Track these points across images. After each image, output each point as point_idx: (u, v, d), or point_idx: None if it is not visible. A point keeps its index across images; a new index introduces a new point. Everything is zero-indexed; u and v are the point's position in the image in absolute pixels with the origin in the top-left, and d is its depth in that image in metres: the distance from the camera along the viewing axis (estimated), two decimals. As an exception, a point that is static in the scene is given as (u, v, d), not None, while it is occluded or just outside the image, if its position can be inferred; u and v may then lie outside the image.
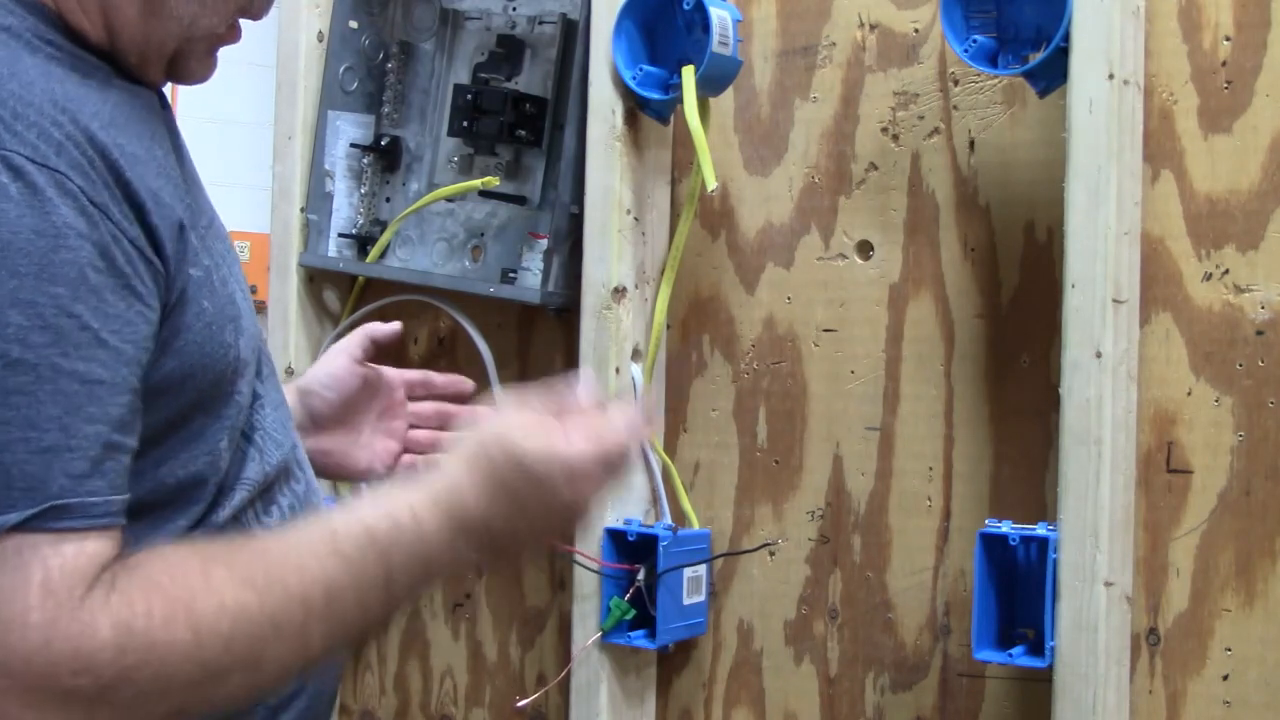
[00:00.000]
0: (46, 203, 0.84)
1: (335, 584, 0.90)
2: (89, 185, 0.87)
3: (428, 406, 1.40)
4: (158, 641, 0.84)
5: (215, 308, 0.96)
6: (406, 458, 1.35)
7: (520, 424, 0.98)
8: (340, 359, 1.34)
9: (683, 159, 1.58)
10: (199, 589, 0.86)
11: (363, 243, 1.75)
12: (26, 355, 0.82)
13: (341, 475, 1.37)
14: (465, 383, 1.42)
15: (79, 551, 0.82)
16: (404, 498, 0.95)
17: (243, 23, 1.04)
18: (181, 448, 0.95)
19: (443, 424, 1.39)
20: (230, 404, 0.98)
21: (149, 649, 0.83)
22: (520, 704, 1.66)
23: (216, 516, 0.98)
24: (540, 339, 1.68)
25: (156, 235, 0.90)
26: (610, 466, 0.99)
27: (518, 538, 0.98)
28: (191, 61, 1.02)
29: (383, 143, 1.74)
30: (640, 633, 1.49)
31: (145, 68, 0.99)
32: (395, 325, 1.38)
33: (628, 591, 1.47)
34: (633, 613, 1.47)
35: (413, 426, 1.40)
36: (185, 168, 1.01)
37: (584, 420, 1.00)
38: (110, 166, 0.89)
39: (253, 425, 1.03)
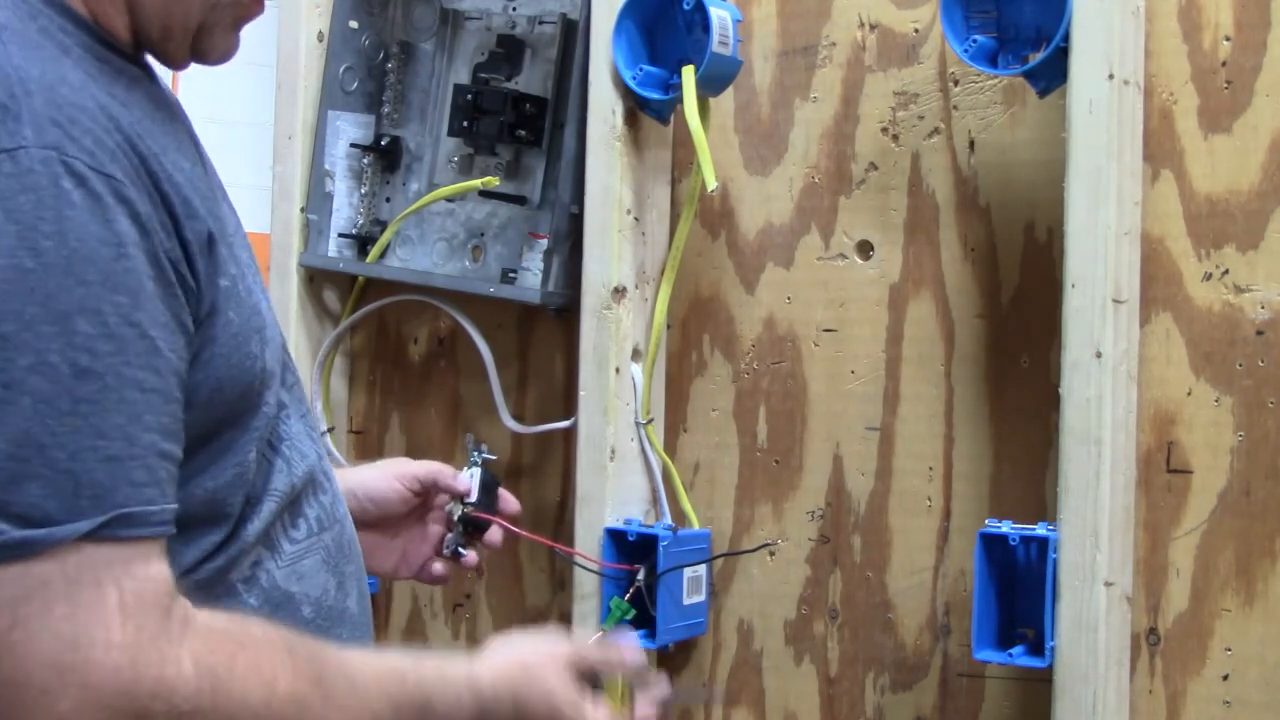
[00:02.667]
0: (108, 210, 0.85)
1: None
2: (139, 195, 0.87)
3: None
4: (234, 695, 0.86)
5: (241, 319, 0.96)
6: (436, 566, 1.30)
7: (563, 681, 1.09)
8: (395, 486, 1.27)
9: (683, 159, 1.58)
10: (280, 666, 0.89)
11: (363, 243, 1.75)
12: (95, 364, 0.83)
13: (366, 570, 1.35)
14: (511, 504, 1.35)
15: (146, 575, 0.84)
16: (460, 686, 1.02)
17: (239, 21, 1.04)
18: (210, 461, 0.95)
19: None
20: (258, 415, 0.98)
21: (226, 697, 0.85)
22: None
23: (246, 531, 0.97)
24: (540, 339, 1.68)
25: (189, 249, 0.91)
26: None
27: None
28: (216, 35, 1.00)
29: (383, 143, 1.74)
30: (640, 633, 1.49)
31: (168, 45, 0.98)
32: (466, 484, 1.30)
33: (628, 591, 1.47)
34: (633, 612, 1.47)
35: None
36: (209, 175, 1.01)
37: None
38: (151, 176, 0.89)
39: (280, 436, 1.02)
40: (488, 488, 1.28)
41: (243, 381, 0.96)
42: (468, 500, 1.27)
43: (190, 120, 1.05)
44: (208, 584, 0.95)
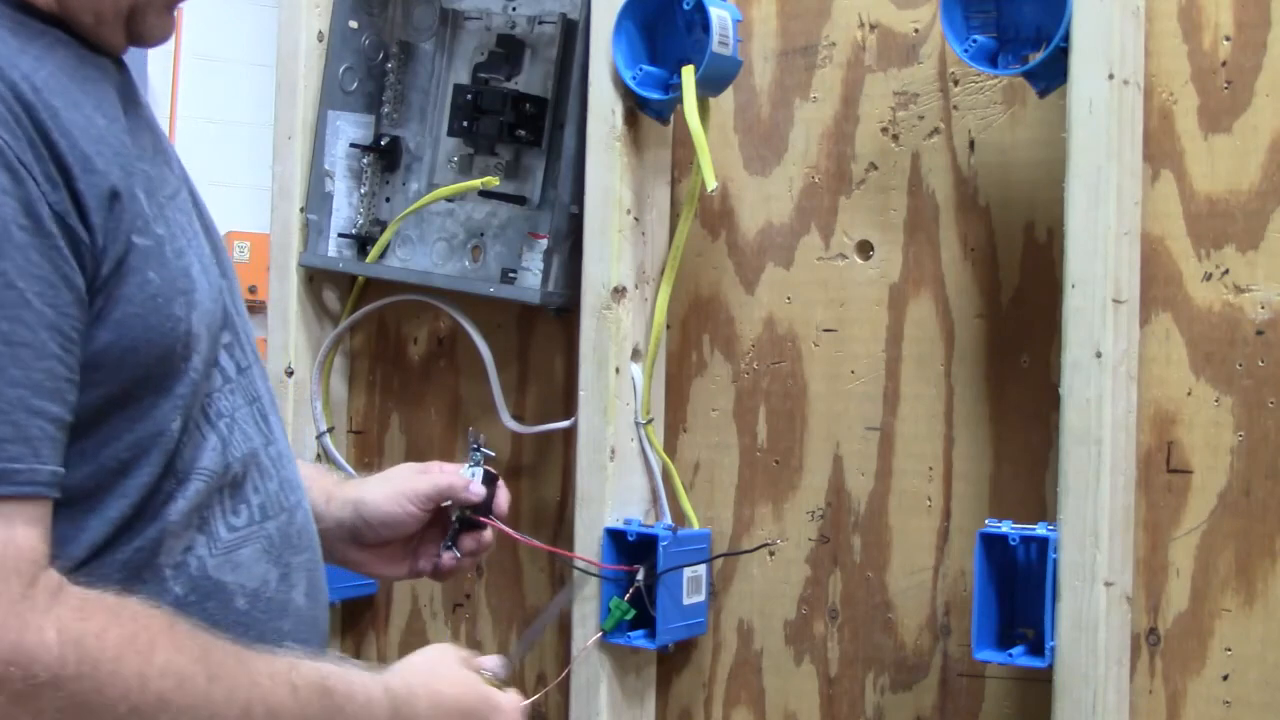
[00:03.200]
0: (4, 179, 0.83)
1: (274, 705, 0.91)
2: (15, 143, 0.85)
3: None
4: (103, 666, 0.83)
5: (164, 280, 0.93)
6: (445, 558, 1.26)
7: (466, 668, 1.10)
8: (407, 509, 1.23)
9: (683, 159, 1.58)
10: (159, 640, 0.86)
11: (363, 243, 1.75)
12: None
13: (369, 575, 1.32)
14: (501, 506, 1.32)
15: (9, 538, 0.81)
16: (367, 679, 0.99)
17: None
18: (126, 427, 0.92)
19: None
20: (182, 381, 0.95)
21: (93, 668, 0.82)
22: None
23: (170, 510, 0.95)
24: (540, 339, 1.68)
25: (82, 201, 0.88)
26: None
27: None
28: (150, 18, 0.99)
29: (383, 143, 1.74)
30: (640, 633, 1.49)
31: (101, 28, 0.97)
32: (480, 493, 1.26)
33: (628, 591, 1.47)
34: (633, 613, 1.47)
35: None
36: (144, 136, 0.98)
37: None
38: (37, 126, 0.87)
39: (217, 411, 0.99)
40: (488, 483, 1.27)
41: (162, 344, 0.93)
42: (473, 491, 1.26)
43: (135, 83, 1.02)
44: (134, 568, 0.92)
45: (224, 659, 0.89)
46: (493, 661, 1.17)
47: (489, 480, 1.26)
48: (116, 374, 0.90)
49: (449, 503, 1.24)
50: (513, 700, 1.13)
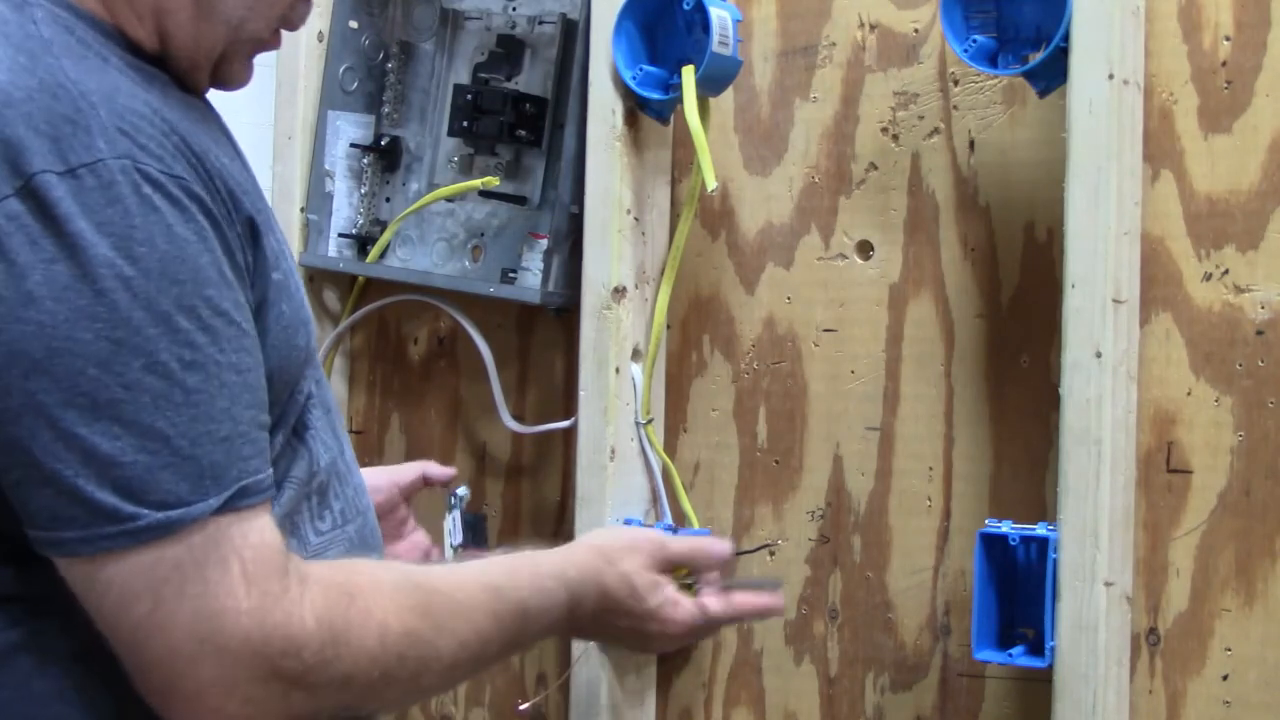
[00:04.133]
0: (185, 209, 0.91)
1: (487, 640, 1.06)
2: (204, 191, 0.93)
3: None
4: (352, 642, 0.94)
5: (291, 311, 1.01)
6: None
7: (640, 566, 1.27)
8: (390, 494, 1.41)
9: (683, 159, 1.58)
10: (389, 608, 0.98)
11: (363, 243, 1.75)
12: (197, 356, 0.90)
13: None
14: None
15: (262, 541, 0.92)
16: (553, 583, 1.16)
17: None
18: None
19: None
20: (292, 404, 1.04)
21: (345, 646, 0.94)
22: (522, 707, 1.65)
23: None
24: (540, 339, 1.68)
25: (244, 240, 0.97)
26: (699, 636, 1.33)
27: (602, 638, 1.28)
28: (235, 65, 1.06)
29: (383, 143, 1.75)
30: (640, 633, 1.49)
31: (194, 73, 1.02)
32: (450, 471, 1.47)
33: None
34: None
35: None
36: (247, 169, 1.05)
37: (698, 601, 1.32)
38: (208, 172, 0.94)
39: (305, 424, 1.06)
40: (474, 527, 1.33)
41: (290, 373, 1.02)
42: (455, 544, 1.33)
43: (221, 117, 1.08)
44: None
45: (441, 608, 1.02)
46: (706, 547, 1.32)
47: (475, 524, 1.33)
48: None
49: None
50: (684, 615, 1.31)
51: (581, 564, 1.21)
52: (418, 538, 1.45)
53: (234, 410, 0.92)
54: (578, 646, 1.51)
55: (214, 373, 0.91)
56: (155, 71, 0.99)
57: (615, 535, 1.31)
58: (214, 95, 1.08)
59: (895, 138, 1.48)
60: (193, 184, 0.92)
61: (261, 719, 0.92)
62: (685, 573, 1.36)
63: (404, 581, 1.01)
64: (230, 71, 1.06)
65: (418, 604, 1.01)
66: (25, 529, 0.90)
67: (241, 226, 0.97)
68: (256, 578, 0.91)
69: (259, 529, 0.92)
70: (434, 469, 1.44)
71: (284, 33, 1.09)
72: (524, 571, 1.14)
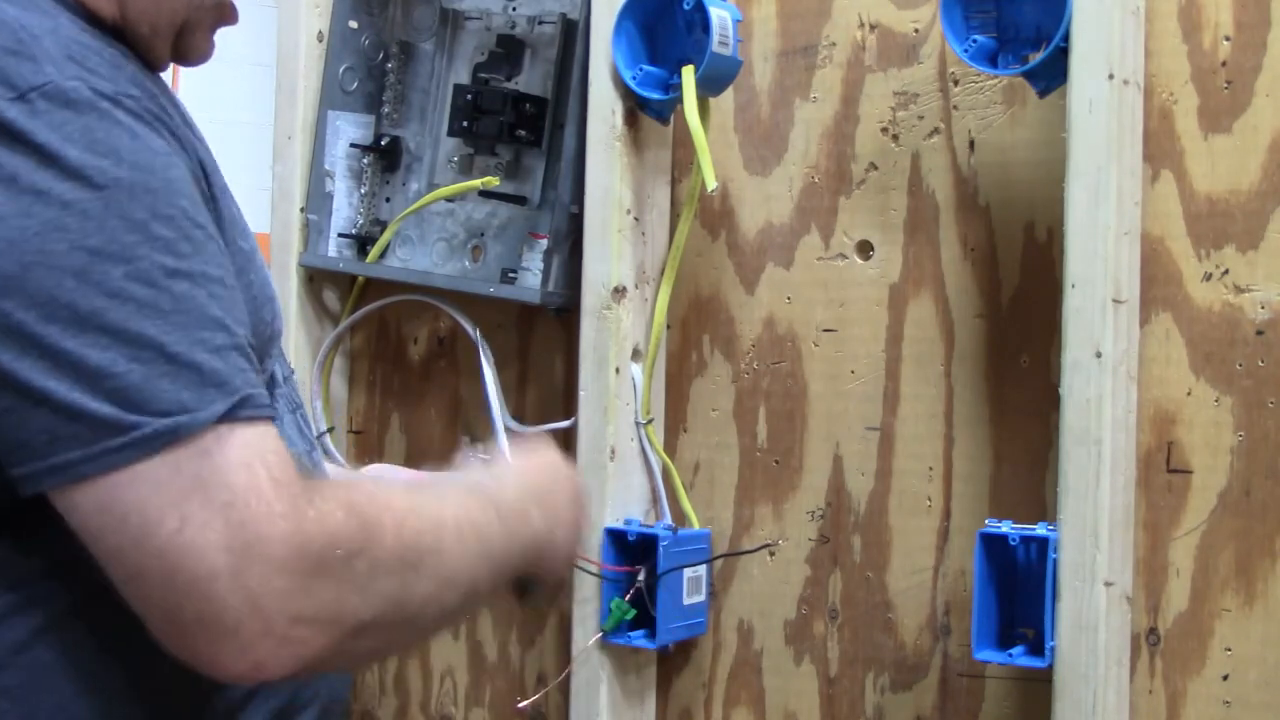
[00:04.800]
0: (149, 124, 0.88)
1: (472, 522, 0.99)
2: (165, 116, 0.90)
3: None
4: (384, 529, 0.89)
5: (259, 283, 0.98)
6: None
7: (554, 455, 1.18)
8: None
9: (683, 159, 1.58)
10: (381, 500, 0.93)
11: (363, 243, 1.75)
12: (180, 264, 0.85)
13: None
14: None
15: (279, 449, 0.87)
16: (498, 484, 1.08)
17: (243, 24, 1.05)
18: None
19: None
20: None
21: (371, 525, 0.89)
22: (521, 705, 1.66)
23: None
24: (540, 339, 1.68)
25: (207, 184, 0.93)
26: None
27: (555, 541, 1.12)
28: (197, 36, 1.03)
29: (383, 143, 1.74)
30: (640, 633, 1.49)
31: (154, 41, 0.99)
32: None
33: (628, 592, 1.47)
34: (633, 613, 1.47)
35: None
36: (203, 142, 1.02)
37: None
38: (162, 106, 0.91)
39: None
40: None
41: (258, 348, 0.97)
42: None
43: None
44: None
45: (422, 496, 0.98)
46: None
47: None
48: None
49: None
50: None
51: (515, 482, 1.14)
52: None
53: (225, 322, 0.87)
54: (578, 646, 1.51)
55: (201, 282, 0.86)
56: (113, 41, 0.96)
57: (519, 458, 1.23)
58: (214, 95, 1.07)
59: (895, 138, 1.48)
60: (150, 104, 0.89)
61: (325, 635, 0.85)
62: None
63: (392, 487, 0.98)
64: (192, 43, 1.02)
65: (403, 482, 1.00)
66: (18, 469, 0.84)
67: (199, 168, 0.93)
68: (282, 480, 0.85)
69: (272, 435, 0.87)
70: None
71: (282, 31, 1.09)
72: (472, 473, 1.10)
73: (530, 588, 1.20)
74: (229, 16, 1.04)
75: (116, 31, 0.98)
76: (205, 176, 0.94)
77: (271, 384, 1.03)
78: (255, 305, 0.97)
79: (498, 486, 1.06)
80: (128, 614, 0.88)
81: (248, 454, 0.84)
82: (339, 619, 0.86)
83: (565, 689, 1.56)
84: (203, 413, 0.83)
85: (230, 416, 0.84)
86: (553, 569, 1.16)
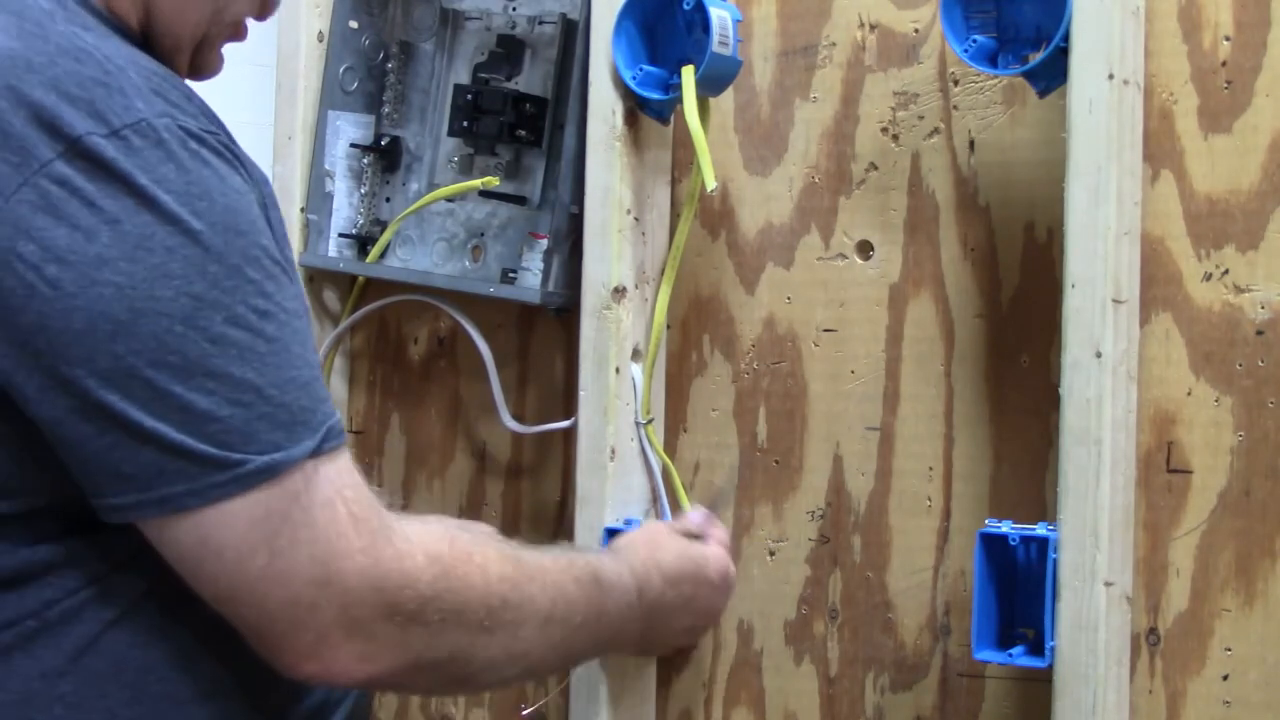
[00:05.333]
0: (230, 163, 0.92)
1: (573, 602, 1.07)
2: (236, 149, 0.95)
3: None
4: (460, 577, 0.97)
5: (300, 294, 1.02)
6: None
7: (683, 539, 1.33)
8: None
9: (683, 159, 1.58)
10: (486, 553, 1.00)
11: (363, 243, 1.75)
12: (268, 305, 0.91)
13: None
14: None
15: (355, 482, 0.94)
16: (617, 563, 1.19)
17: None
18: None
19: None
20: None
21: (455, 579, 0.96)
22: (525, 711, 1.65)
23: None
24: (540, 339, 1.68)
25: (267, 220, 0.98)
26: (730, 582, 1.38)
27: (671, 628, 1.28)
28: (212, 52, 1.05)
29: (383, 143, 1.75)
30: (640, 633, 1.49)
31: (176, 55, 1.01)
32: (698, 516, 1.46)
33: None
34: None
35: None
36: None
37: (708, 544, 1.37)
38: (228, 133, 0.96)
39: None
40: None
41: None
42: None
43: None
44: None
45: (529, 561, 1.05)
46: (697, 517, 1.39)
47: None
48: None
49: None
50: (717, 551, 1.36)
51: (632, 551, 1.25)
52: None
53: (306, 355, 0.93)
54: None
55: (284, 320, 0.92)
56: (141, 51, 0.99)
57: (640, 532, 1.34)
58: (213, 95, 1.08)
59: (895, 138, 1.48)
60: (223, 138, 0.93)
61: (383, 660, 0.93)
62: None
63: (489, 537, 1.06)
64: (208, 58, 1.06)
65: (508, 555, 1.03)
66: (115, 499, 0.89)
67: (261, 198, 0.98)
68: (361, 516, 0.92)
69: (349, 470, 0.94)
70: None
71: (282, 31, 1.10)
72: (589, 554, 1.19)
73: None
74: (241, 33, 1.07)
75: (140, 43, 1.00)
76: (264, 200, 0.98)
77: None
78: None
79: (633, 568, 1.18)
80: (191, 612, 0.95)
81: (329, 491, 0.91)
82: (403, 653, 0.94)
83: (565, 689, 1.56)
84: (295, 450, 0.90)
85: (316, 452, 0.91)
86: (664, 644, 1.31)
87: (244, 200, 0.92)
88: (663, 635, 1.29)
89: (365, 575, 0.91)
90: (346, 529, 0.91)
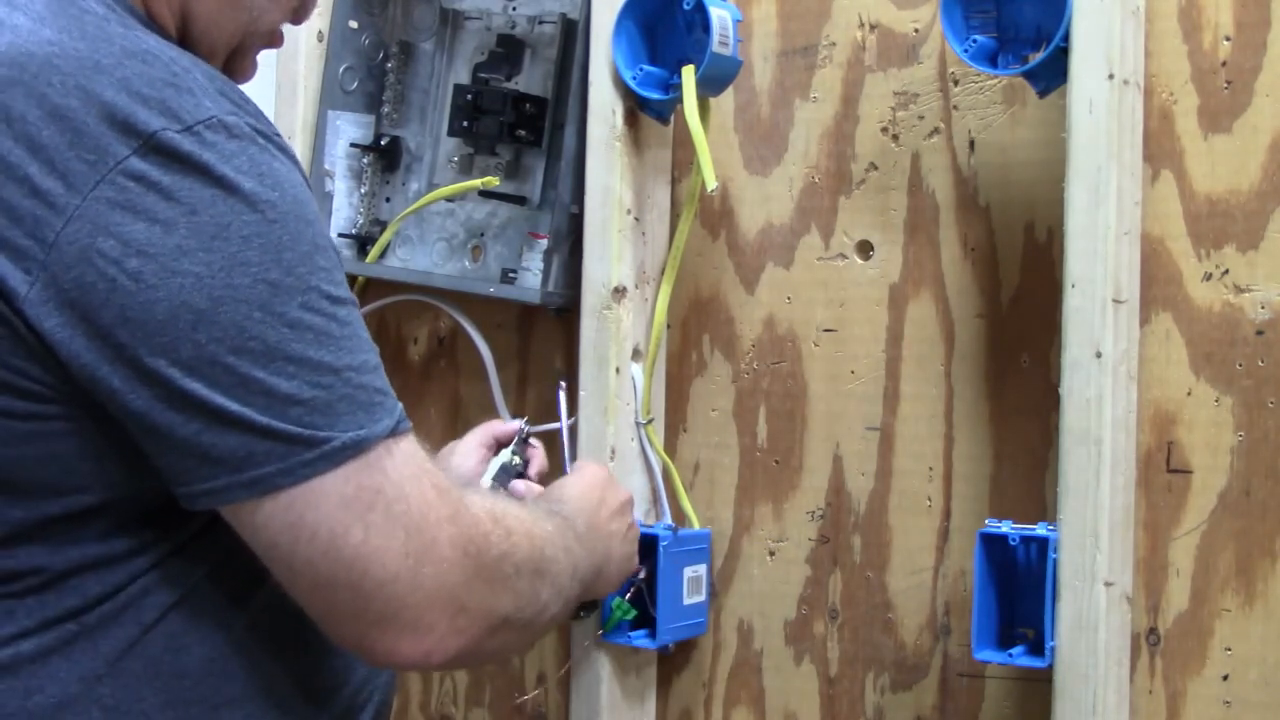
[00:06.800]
0: (293, 160, 0.94)
1: (564, 544, 1.10)
2: (290, 150, 0.96)
3: None
4: (513, 529, 1.01)
5: None
6: None
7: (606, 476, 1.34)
8: (473, 458, 1.42)
9: (683, 159, 1.58)
10: (511, 508, 1.05)
11: (363, 243, 1.75)
12: (338, 291, 0.93)
13: None
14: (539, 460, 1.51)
15: (427, 457, 0.97)
16: (566, 508, 1.22)
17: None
18: None
19: None
20: None
21: (513, 532, 1.00)
22: (518, 700, 1.66)
23: None
24: (540, 339, 1.68)
25: None
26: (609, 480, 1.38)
27: (611, 559, 1.28)
28: (246, 59, 1.07)
29: (383, 142, 1.74)
30: (640, 632, 1.49)
31: (211, 62, 1.01)
32: (515, 425, 1.46)
33: (628, 591, 1.47)
34: (633, 613, 1.47)
35: None
36: None
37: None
38: (289, 145, 0.97)
39: None
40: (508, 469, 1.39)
41: None
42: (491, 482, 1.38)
43: None
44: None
45: (530, 516, 1.08)
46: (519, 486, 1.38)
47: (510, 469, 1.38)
48: None
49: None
50: (589, 472, 1.36)
51: (575, 492, 1.29)
52: None
53: (370, 341, 0.96)
54: (577, 644, 1.51)
55: (351, 306, 0.94)
56: None
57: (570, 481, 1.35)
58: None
59: (895, 138, 1.48)
60: (280, 138, 0.95)
61: (473, 628, 0.95)
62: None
63: (507, 501, 1.09)
64: (242, 65, 1.06)
65: (524, 510, 1.08)
66: (202, 484, 0.90)
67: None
68: (442, 487, 0.94)
69: (420, 448, 0.96)
70: (500, 427, 1.46)
71: (284, 32, 1.10)
72: (543, 499, 1.25)
73: (588, 605, 1.28)
74: (277, 41, 1.08)
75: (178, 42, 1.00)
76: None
77: None
78: None
79: (568, 511, 1.19)
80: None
81: (413, 466, 0.94)
82: (491, 612, 0.97)
83: (565, 689, 1.56)
84: (377, 428, 0.92)
85: (394, 431, 0.94)
86: (608, 586, 1.30)
87: (306, 193, 0.93)
88: (608, 561, 1.30)
89: (455, 542, 0.93)
90: (433, 499, 0.93)
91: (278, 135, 0.94)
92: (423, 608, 0.92)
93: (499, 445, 1.43)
